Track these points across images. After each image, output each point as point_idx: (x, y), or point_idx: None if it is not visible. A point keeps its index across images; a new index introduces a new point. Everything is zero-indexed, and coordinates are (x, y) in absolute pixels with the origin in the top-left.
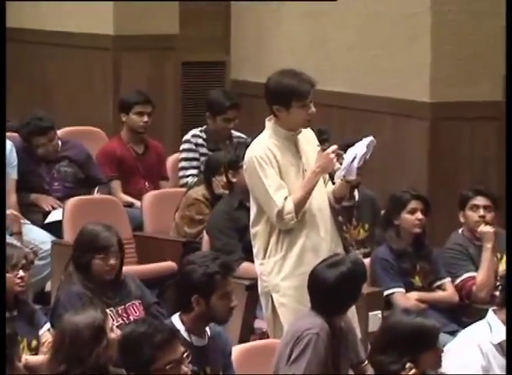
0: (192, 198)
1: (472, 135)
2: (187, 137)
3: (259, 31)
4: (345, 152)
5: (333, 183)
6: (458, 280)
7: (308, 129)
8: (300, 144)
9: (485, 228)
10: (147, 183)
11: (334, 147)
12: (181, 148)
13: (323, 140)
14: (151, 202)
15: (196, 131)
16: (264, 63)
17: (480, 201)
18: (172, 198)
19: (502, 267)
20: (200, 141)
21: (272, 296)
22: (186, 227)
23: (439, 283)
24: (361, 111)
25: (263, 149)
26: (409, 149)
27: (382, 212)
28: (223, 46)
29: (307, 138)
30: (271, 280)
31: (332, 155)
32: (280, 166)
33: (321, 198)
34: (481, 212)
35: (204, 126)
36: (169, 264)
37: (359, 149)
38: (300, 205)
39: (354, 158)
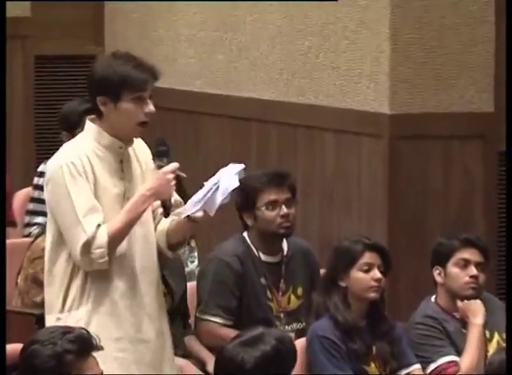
0: (39, 249)
1: (447, 159)
2: (44, 168)
3: (145, 15)
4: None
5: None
6: (432, 368)
7: (142, 144)
8: (129, 161)
9: (467, 303)
10: None
11: (174, 165)
12: (34, 182)
13: (160, 152)
14: None
15: None
16: (155, 58)
17: (472, 255)
18: (21, 251)
19: (491, 350)
20: None
21: None
22: (30, 293)
23: (404, 371)
24: (292, 126)
25: (78, 155)
26: (360, 179)
27: (323, 270)
28: (94, 34)
29: (138, 155)
30: None
31: (171, 176)
32: (97, 183)
33: (144, 239)
34: (474, 270)
35: None
36: (17, 347)
37: (226, 179)
38: (118, 238)
39: (212, 189)
